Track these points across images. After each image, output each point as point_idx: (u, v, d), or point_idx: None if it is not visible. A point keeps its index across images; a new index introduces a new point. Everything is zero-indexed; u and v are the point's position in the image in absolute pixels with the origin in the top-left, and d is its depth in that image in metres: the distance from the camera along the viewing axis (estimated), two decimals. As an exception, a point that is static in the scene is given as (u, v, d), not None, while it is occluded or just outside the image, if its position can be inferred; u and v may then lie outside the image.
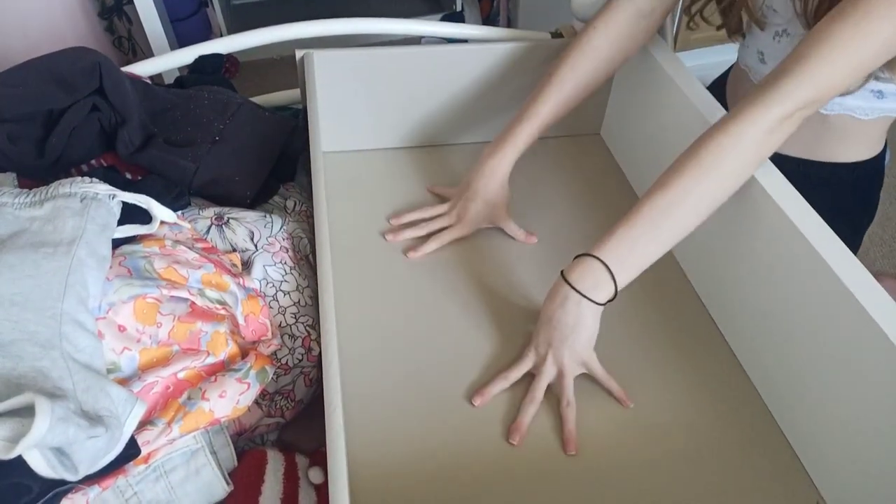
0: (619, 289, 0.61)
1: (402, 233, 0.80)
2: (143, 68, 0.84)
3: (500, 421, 0.63)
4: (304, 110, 0.86)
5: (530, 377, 0.65)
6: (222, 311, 0.59)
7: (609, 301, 0.62)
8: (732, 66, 0.88)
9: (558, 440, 0.62)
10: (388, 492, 0.58)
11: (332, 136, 0.90)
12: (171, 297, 0.56)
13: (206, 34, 2.14)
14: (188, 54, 0.87)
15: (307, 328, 0.65)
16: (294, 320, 0.65)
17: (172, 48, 1.59)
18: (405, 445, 0.61)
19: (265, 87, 0.98)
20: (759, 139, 0.58)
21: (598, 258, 0.61)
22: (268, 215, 0.71)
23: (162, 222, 0.61)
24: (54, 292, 0.49)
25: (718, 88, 0.91)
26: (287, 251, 0.69)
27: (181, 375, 0.54)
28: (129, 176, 0.73)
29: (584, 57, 0.76)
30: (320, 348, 0.65)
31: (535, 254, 0.80)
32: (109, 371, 0.51)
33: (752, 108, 0.58)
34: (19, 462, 0.40)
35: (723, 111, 0.71)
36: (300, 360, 0.64)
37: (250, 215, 0.70)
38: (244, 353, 0.59)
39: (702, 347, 0.71)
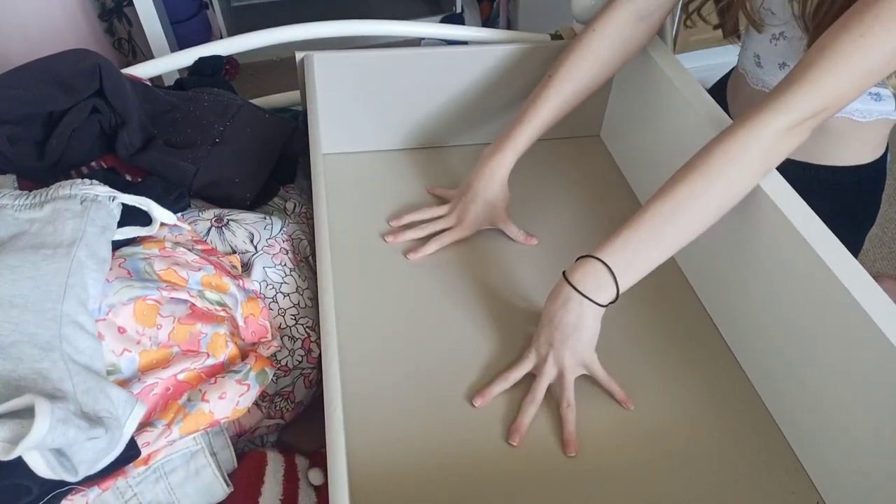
0: (620, 291, 0.61)
1: (403, 234, 0.80)
2: (143, 70, 0.84)
3: (500, 421, 0.64)
4: (304, 112, 0.86)
5: (531, 378, 0.66)
6: (222, 313, 0.59)
7: (611, 303, 0.62)
8: (733, 68, 0.88)
9: (558, 441, 0.62)
10: (388, 492, 0.58)
11: (332, 137, 0.90)
12: (171, 298, 0.56)
13: (206, 36, 2.14)
14: (188, 56, 0.87)
15: (307, 330, 0.65)
16: (294, 322, 0.65)
17: (172, 50, 1.59)
18: (405, 446, 0.61)
19: (265, 89, 0.98)
20: (767, 147, 0.58)
21: (600, 260, 0.61)
22: (267, 217, 0.71)
23: (162, 224, 0.61)
24: (54, 294, 0.49)
25: (719, 91, 0.91)
26: (287, 253, 0.69)
27: (181, 377, 0.54)
28: (129, 178, 0.73)
29: (583, 59, 0.76)
30: (320, 350, 0.65)
31: (535, 255, 0.80)
32: (109, 373, 0.51)
33: (760, 115, 0.58)
34: (19, 463, 0.40)
35: (723, 113, 0.71)
36: (300, 362, 0.64)
37: (250, 217, 0.70)
38: (244, 355, 0.59)
39: (702, 349, 0.71)
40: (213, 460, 0.54)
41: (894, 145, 0.84)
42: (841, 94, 0.57)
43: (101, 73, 0.68)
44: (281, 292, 0.66)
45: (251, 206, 0.75)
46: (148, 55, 1.77)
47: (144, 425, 0.51)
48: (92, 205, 0.55)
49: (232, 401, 0.55)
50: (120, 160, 0.71)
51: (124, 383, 0.51)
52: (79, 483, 0.45)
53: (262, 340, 0.62)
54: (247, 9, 2.61)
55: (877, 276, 0.55)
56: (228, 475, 0.55)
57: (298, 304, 0.66)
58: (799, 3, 0.64)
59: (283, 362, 0.63)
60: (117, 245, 0.58)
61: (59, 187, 0.56)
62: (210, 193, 0.73)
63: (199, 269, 0.59)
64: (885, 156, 0.79)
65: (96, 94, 0.69)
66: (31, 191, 0.56)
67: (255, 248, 0.67)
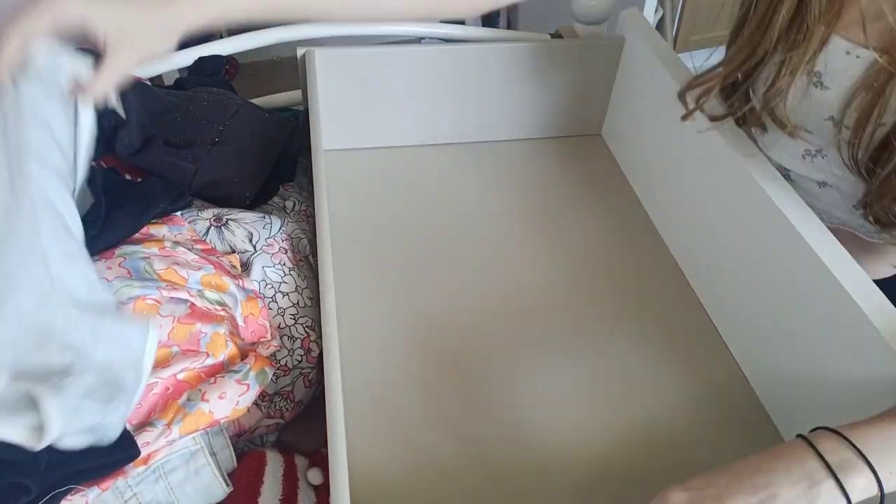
0: None
1: None
2: (142, 70, 0.84)
3: (501, 421, 0.63)
4: (305, 111, 0.86)
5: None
6: (222, 313, 0.59)
7: None
8: None
9: (558, 441, 0.62)
10: (388, 492, 0.58)
11: (332, 134, 0.90)
12: (171, 298, 0.56)
13: (206, 36, 2.13)
14: (188, 56, 0.87)
15: (306, 329, 0.65)
16: (293, 321, 0.65)
17: (173, 50, 1.58)
18: (405, 446, 0.61)
19: (264, 89, 0.98)
20: None
21: (863, 457, 0.41)
22: (267, 216, 0.71)
23: (162, 224, 0.61)
24: (28, 224, 0.43)
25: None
26: (286, 252, 0.69)
27: (181, 377, 0.54)
28: (128, 177, 0.73)
29: None
30: (319, 349, 0.65)
31: (537, 255, 0.80)
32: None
33: None
34: (19, 463, 0.40)
35: None
36: (299, 362, 0.64)
37: (249, 216, 0.70)
38: (243, 355, 0.59)
39: (701, 349, 0.71)
40: (212, 460, 0.54)
41: None
42: None
43: (100, 73, 0.68)
44: (280, 292, 0.66)
45: (250, 206, 0.75)
46: (148, 55, 1.76)
47: (144, 425, 0.51)
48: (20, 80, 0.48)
49: (232, 400, 0.55)
50: (120, 160, 0.71)
51: (124, 383, 0.51)
52: (78, 483, 0.45)
53: (262, 340, 0.61)
54: (247, 8, 2.60)
55: None
56: (228, 475, 0.55)
57: (298, 303, 0.66)
58: (848, 148, 0.53)
59: (283, 362, 0.63)
60: (116, 242, 0.57)
61: None
62: (210, 193, 0.73)
63: (199, 269, 0.59)
64: None
65: (96, 93, 0.69)
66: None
67: (255, 247, 0.67)
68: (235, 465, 0.57)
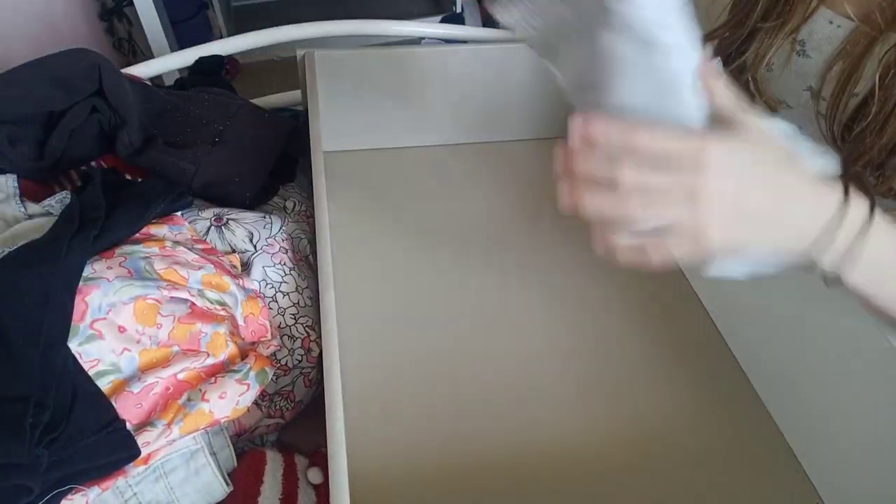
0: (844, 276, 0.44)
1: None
2: (143, 70, 0.84)
3: (502, 420, 0.63)
4: (305, 112, 0.86)
5: None
6: (222, 312, 0.59)
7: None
8: None
9: (559, 441, 0.62)
10: (388, 492, 0.58)
11: (332, 135, 0.90)
12: (171, 297, 0.56)
13: (207, 36, 2.14)
14: (188, 56, 0.87)
15: (306, 329, 0.65)
16: (293, 321, 0.65)
17: (172, 50, 1.59)
18: (406, 445, 0.61)
19: (265, 90, 0.98)
20: None
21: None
22: (267, 216, 0.71)
23: (162, 223, 0.61)
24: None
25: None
26: (286, 252, 0.69)
27: (181, 376, 0.54)
28: (129, 177, 0.73)
29: None
30: (320, 349, 0.65)
31: (539, 254, 0.80)
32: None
33: None
34: (18, 464, 0.40)
35: None
36: (300, 361, 0.64)
37: (249, 216, 0.70)
38: (244, 355, 0.59)
39: (702, 348, 0.71)
40: (212, 460, 0.54)
41: None
42: None
43: (100, 73, 0.68)
44: (280, 291, 0.66)
45: (251, 205, 0.75)
46: (148, 55, 1.76)
47: (144, 425, 0.51)
48: None
49: (232, 400, 0.55)
50: (120, 160, 0.71)
51: (124, 383, 0.51)
52: (79, 483, 0.45)
53: (262, 340, 0.62)
54: (247, 9, 2.60)
55: None
56: (228, 474, 0.55)
57: (298, 303, 0.66)
58: (826, 120, 0.54)
59: (283, 362, 0.63)
60: (117, 240, 0.57)
61: None
62: (210, 193, 0.73)
63: (200, 269, 0.59)
64: None
65: (96, 93, 0.69)
66: (32, 191, 0.56)
67: (255, 247, 0.67)
68: (235, 464, 0.57)
